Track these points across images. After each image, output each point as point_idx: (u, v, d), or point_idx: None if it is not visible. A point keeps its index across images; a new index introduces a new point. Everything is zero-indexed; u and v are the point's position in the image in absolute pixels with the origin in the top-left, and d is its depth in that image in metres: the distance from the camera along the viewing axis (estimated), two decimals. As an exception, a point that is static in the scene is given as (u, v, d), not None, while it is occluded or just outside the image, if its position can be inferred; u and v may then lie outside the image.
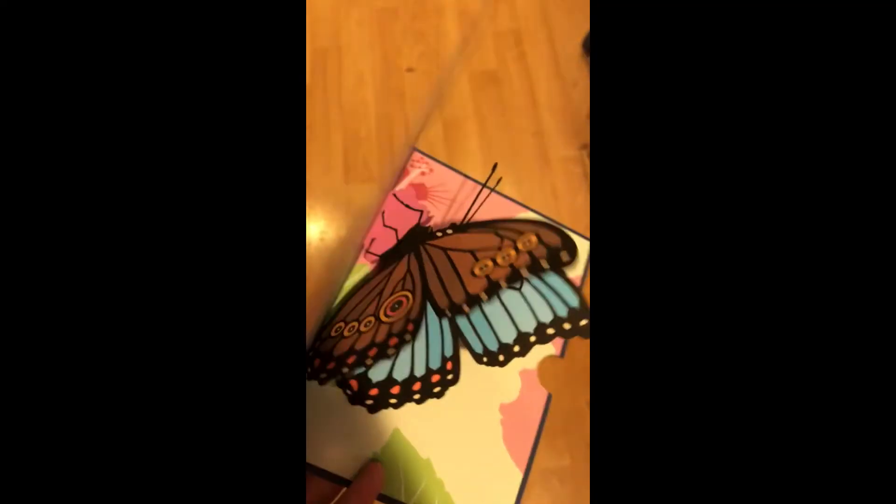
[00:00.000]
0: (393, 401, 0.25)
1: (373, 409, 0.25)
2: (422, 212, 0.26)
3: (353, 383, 0.25)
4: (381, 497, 0.25)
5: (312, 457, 0.24)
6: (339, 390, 0.25)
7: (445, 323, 0.25)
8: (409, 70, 0.68)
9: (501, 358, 0.25)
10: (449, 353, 0.25)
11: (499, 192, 0.31)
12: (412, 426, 0.25)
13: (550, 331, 0.23)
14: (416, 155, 0.31)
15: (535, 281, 0.24)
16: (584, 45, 0.62)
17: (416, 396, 0.25)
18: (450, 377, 0.25)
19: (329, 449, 0.25)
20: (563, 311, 0.23)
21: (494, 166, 0.28)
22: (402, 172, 0.28)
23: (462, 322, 0.25)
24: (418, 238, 0.26)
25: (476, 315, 0.25)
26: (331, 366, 0.24)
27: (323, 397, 0.25)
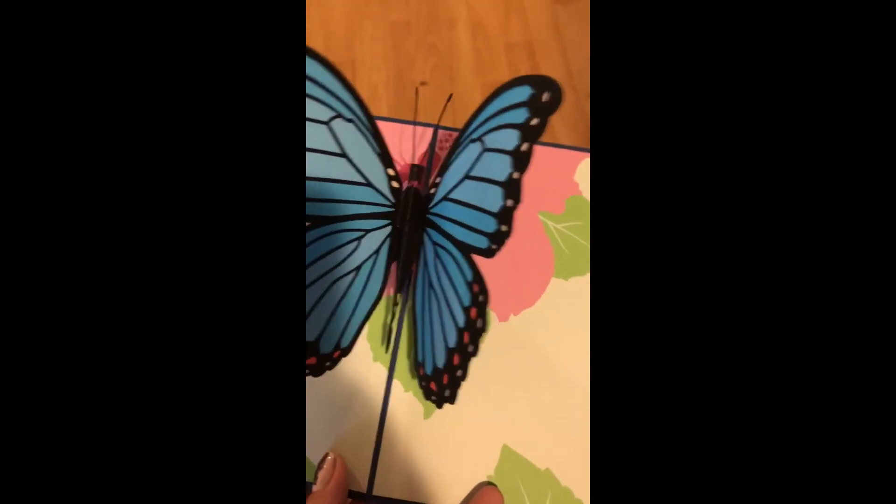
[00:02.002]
0: (459, 372, 0.23)
1: (451, 398, 0.23)
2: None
3: (433, 385, 0.23)
4: None
5: (422, 496, 0.23)
6: (439, 418, 0.23)
7: (460, 256, 0.23)
8: (423, 83, 0.69)
9: (504, 228, 0.21)
10: (470, 276, 0.23)
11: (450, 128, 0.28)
12: (521, 437, 0.23)
13: (526, 147, 0.19)
14: (443, 133, 0.26)
15: (485, 129, 0.21)
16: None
17: (470, 349, 0.22)
18: (481, 298, 0.22)
19: (440, 486, 0.23)
20: (521, 117, 0.19)
21: (449, 97, 0.24)
22: (433, 157, 0.24)
23: (452, 227, 0.22)
24: (421, 209, 0.23)
25: (459, 210, 0.22)
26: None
27: (428, 436, 0.23)
